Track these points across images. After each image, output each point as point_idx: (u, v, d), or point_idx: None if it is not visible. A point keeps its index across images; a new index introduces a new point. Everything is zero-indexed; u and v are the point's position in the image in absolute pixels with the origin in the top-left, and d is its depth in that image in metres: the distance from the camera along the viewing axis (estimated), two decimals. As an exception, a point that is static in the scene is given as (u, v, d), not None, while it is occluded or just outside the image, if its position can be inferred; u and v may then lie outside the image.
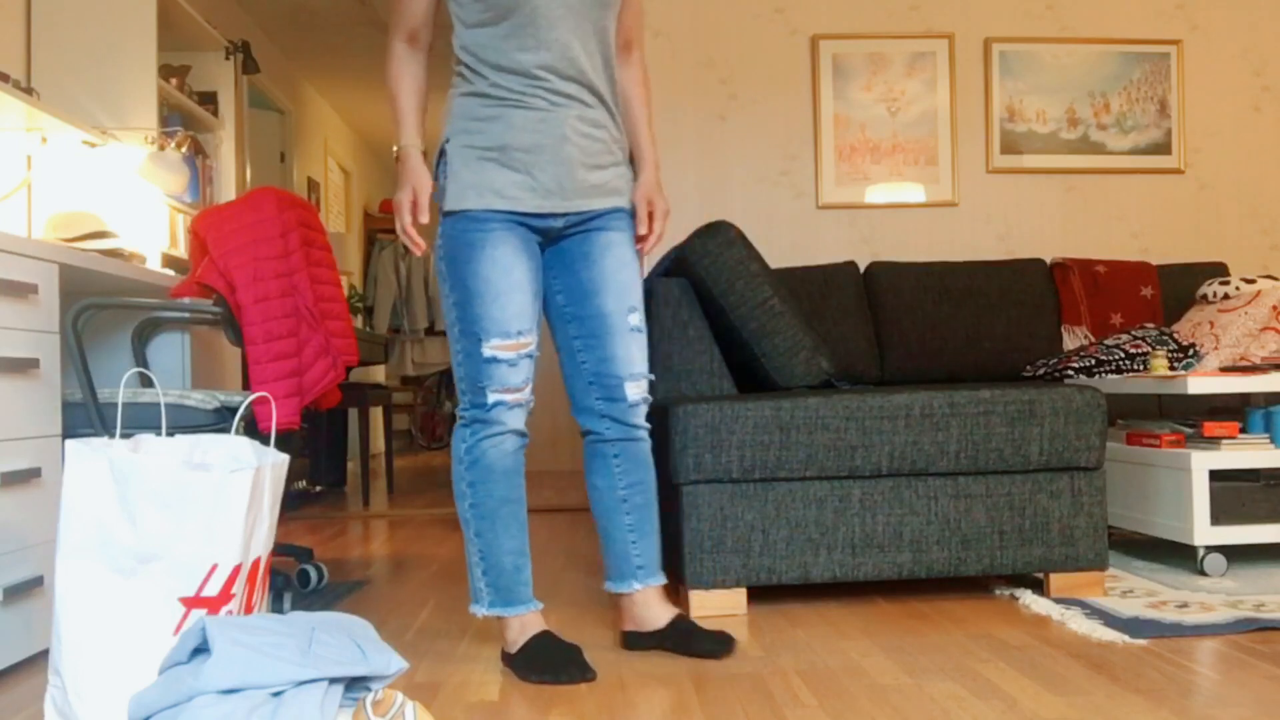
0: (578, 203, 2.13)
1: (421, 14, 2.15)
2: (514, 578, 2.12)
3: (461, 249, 2.07)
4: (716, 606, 2.54)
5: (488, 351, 2.06)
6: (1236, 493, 2.80)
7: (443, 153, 2.14)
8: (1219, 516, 2.79)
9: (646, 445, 2.22)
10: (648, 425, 2.23)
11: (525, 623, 2.12)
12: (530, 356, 2.11)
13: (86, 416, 2.36)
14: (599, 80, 2.14)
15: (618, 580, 2.23)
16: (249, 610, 1.73)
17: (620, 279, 2.18)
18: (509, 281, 2.08)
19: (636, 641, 2.22)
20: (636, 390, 2.19)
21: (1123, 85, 4.85)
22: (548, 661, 2.03)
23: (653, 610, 2.20)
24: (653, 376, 2.28)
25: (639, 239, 2.24)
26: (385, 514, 4.78)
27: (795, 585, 2.79)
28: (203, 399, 2.43)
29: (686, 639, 2.16)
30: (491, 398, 2.08)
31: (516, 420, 2.11)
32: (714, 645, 2.13)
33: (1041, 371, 4.02)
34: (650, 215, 2.23)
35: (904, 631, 2.33)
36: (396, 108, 2.15)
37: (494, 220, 2.09)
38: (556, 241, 2.20)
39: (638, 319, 2.19)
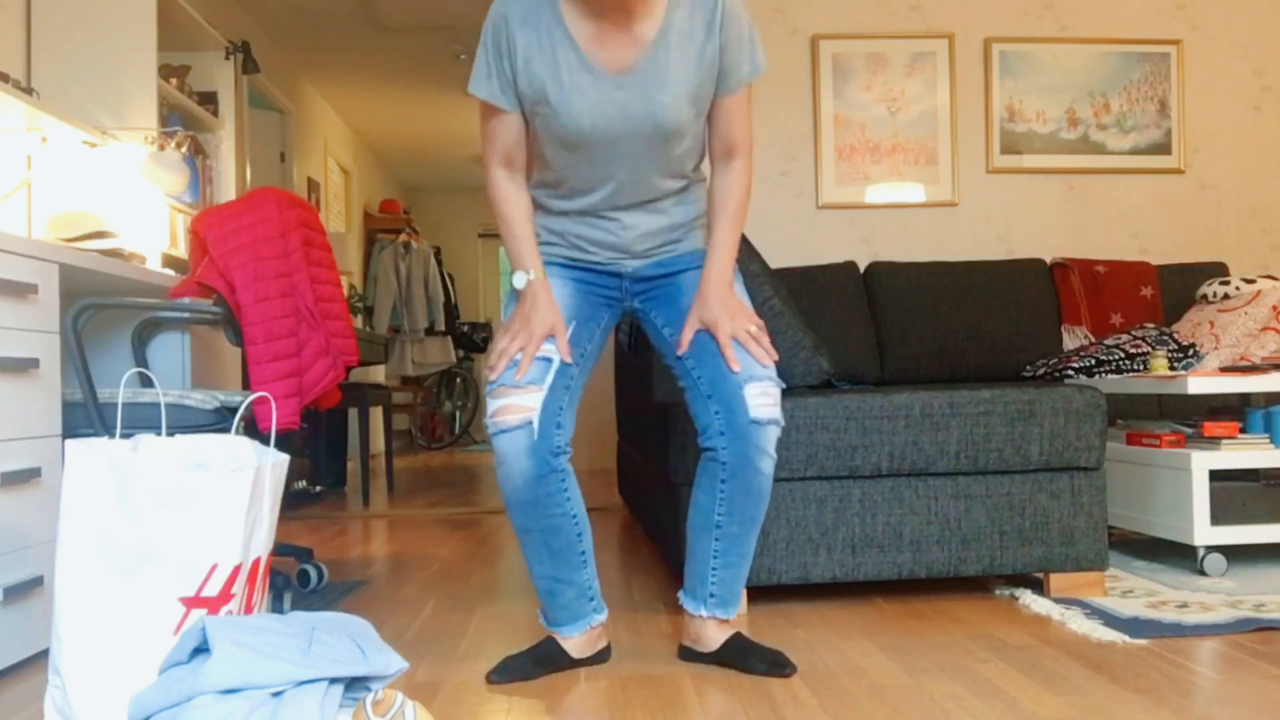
0: (643, 262, 2.13)
1: (512, 138, 2.03)
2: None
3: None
4: (716, 606, 2.54)
5: None
6: (1236, 493, 2.80)
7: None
8: (1219, 516, 2.79)
9: (765, 477, 2.02)
10: (773, 454, 2.02)
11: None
12: None
13: (86, 416, 2.36)
14: (664, 189, 2.07)
15: (690, 598, 2.14)
16: (249, 610, 1.73)
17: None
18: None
19: (692, 656, 2.15)
20: (759, 398, 1.99)
21: (1123, 85, 4.85)
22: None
23: (709, 634, 2.12)
24: (783, 385, 2.07)
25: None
26: (385, 514, 4.78)
27: (795, 585, 2.79)
28: (203, 399, 2.43)
29: (743, 655, 2.07)
30: None
31: None
32: (769, 666, 2.03)
33: (1041, 371, 4.02)
34: (712, 332, 2.05)
35: (904, 631, 2.33)
36: (513, 235, 2.05)
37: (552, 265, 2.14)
38: (645, 281, 2.15)
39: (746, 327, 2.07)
